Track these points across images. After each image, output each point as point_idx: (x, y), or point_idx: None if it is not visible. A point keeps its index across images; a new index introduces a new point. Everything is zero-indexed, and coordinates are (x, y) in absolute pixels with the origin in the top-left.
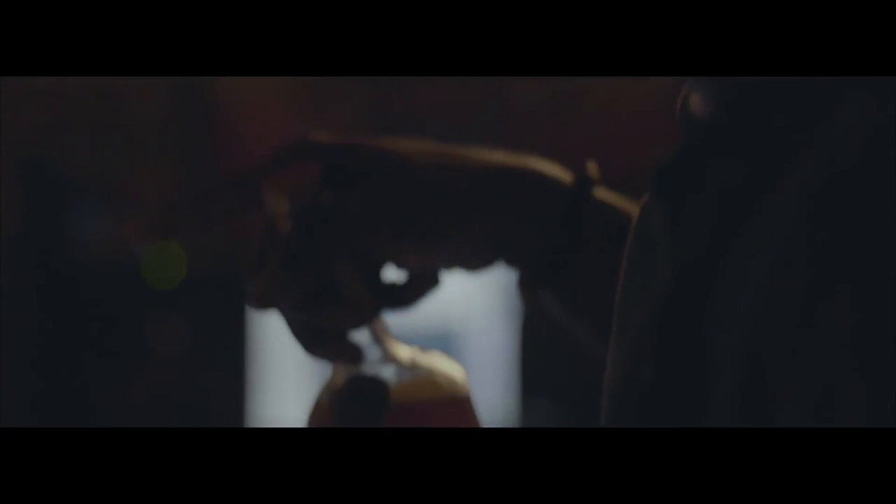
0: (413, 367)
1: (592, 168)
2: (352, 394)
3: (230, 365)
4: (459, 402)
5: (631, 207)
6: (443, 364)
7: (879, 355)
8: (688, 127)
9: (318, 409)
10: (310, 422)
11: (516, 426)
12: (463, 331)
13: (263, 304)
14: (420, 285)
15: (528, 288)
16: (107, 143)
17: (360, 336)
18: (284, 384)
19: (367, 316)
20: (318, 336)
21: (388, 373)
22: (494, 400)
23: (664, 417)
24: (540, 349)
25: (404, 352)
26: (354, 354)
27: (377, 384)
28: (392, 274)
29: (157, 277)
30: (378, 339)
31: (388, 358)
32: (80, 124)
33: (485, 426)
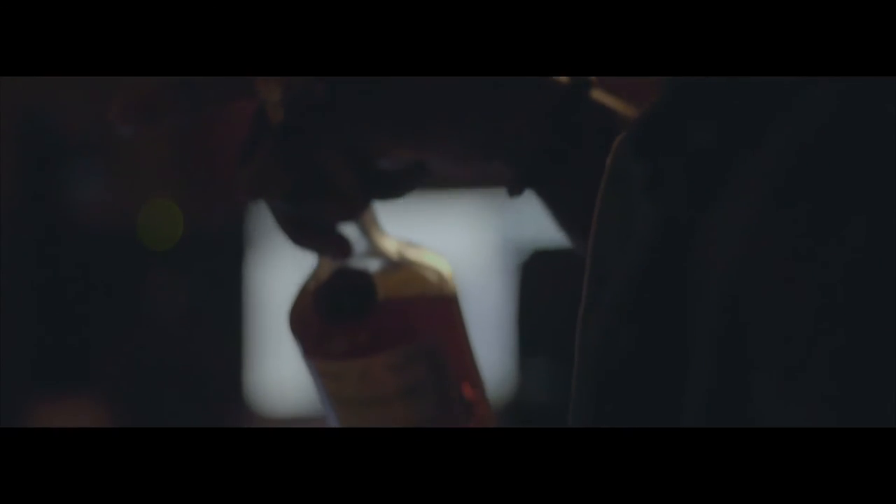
0: (401, 261)
1: None
2: (337, 286)
3: (228, 325)
4: (447, 299)
5: (628, 111)
6: (431, 259)
7: (856, 317)
8: (666, 86)
9: (301, 302)
10: (292, 315)
11: (513, 386)
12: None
13: (252, 194)
14: (410, 178)
15: (518, 187)
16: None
17: (348, 228)
18: (282, 343)
19: (356, 208)
20: (305, 228)
21: (374, 266)
22: (492, 359)
23: (643, 383)
24: (537, 309)
25: (392, 245)
26: (342, 247)
27: (363, 277)
28: (382, 166)
29: (153, 238)
30: (366, 231)
31: (376, 251)
32: (76, 83)
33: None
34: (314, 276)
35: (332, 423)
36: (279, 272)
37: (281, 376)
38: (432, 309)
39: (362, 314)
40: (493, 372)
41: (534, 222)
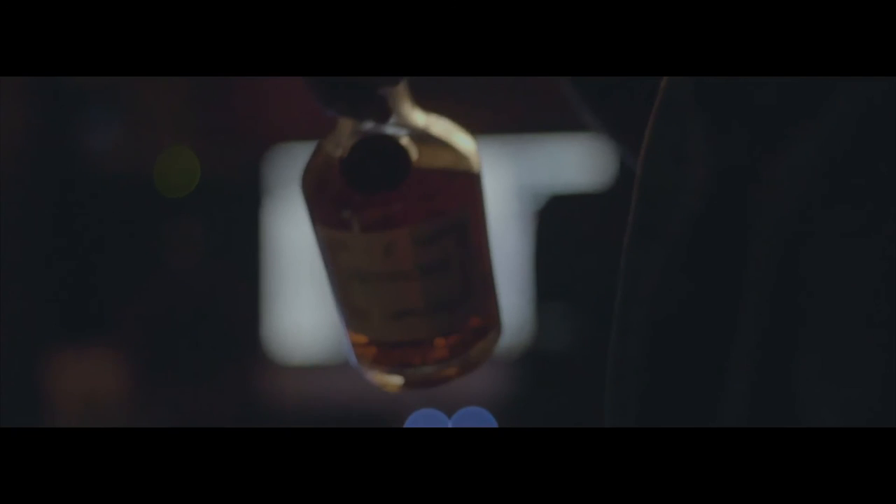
0: (430, 134)
1: None
2: (369, 153)
3: (244, 272)
4: (474, 176)
5: None
6: (458, 135)
7: None
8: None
9: (321, 168)
10: (309, 182)
11: (531, 334)
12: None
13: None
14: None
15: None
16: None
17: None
18: (298, 290)
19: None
20: (343, 87)
21: (405, 136)
22: (510, 306)
23: (697, 329)
24: (554, 256)
25: (421, 118)
26: (382, 109)
27: (396, 145)
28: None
29: (170, 185)
30: (397, 100)
31: (406, 121)
32: None
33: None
34: (335, 141)
35: (341, 300)
36: (295, 219)
37: (297, 323)
38: (461, 184)
39: (394, 183)
40: (511, 319)
41: (549, 169)
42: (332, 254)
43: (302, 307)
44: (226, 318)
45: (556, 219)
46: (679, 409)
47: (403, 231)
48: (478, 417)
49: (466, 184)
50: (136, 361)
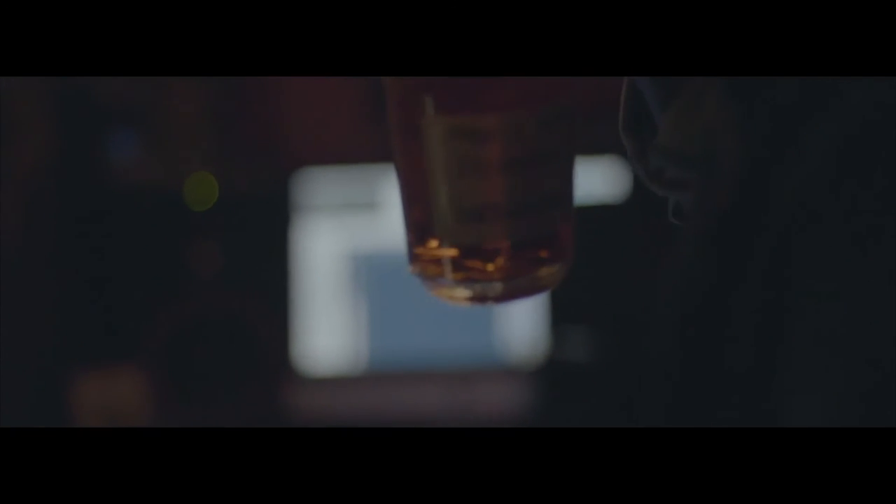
0: None
1: None
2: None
3: (270, 290)
4: None
5: None
6: None
7: None
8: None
9: None
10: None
11: (548, 347)
12: None
13: None
14: None
15: None
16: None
17: None
18: (326, 310)
19: None
20: None
21: None
22: (525, 327)
23: (723, 313)
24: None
25: None
26: None
27: None
28: None
29: (195, 199)
30: None
31: None
32: None
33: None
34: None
35: (449, 197)
36: (322, 237)
37: (324, 340)
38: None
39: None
40: (527, 332)
41: None
42: (443, 145)
43: (329, 322)
44: (252, 335)
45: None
46: (706, 405)
47: (533, 113)
48: None
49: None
50: (158, 379)
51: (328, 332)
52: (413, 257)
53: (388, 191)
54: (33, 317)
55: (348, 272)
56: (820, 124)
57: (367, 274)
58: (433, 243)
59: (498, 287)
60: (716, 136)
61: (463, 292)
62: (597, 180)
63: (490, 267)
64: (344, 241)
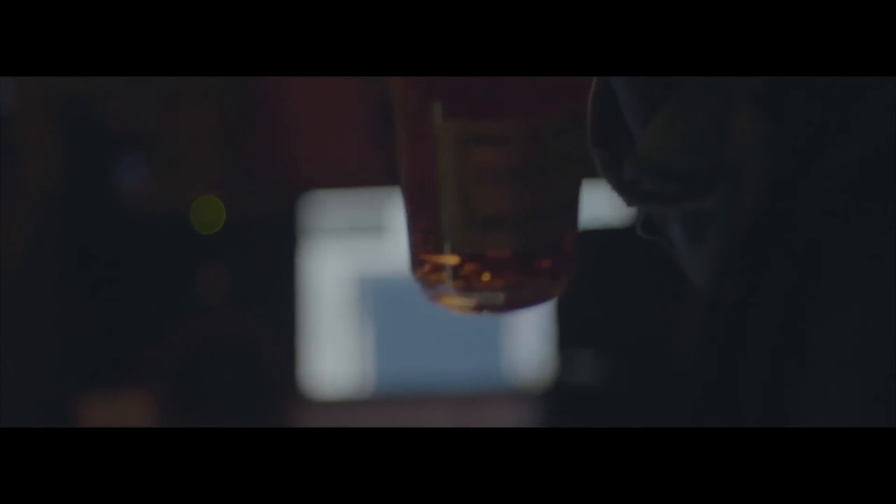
0: None
1: None
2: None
3: (277, 314)
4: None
5: None
6: None
7: None
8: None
9: None
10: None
11: (554, 376)
12: None
13: None
14: None
15: None
16: (148, 93)
17: None
18: (333, 333)
19: None
20: None
21: None
22: (531, 350)
23: (750, 330)
24: (578, 292)
25: None
26: None
27: None
28: None
29: (202, 222)
30: None
31: None
32: (123, 78)
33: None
34: None
35: (461, 205)
36: (329, 260)
37: (331, 363)
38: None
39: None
40: (534, 356)
41: None
42: (454, 153)
43: (335, 347)
44: (259, 360)
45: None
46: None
47: (547, 118)
48: None
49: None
50: (165, 404)
51: (335, 354)
52: (415, 263)
53: (394, 214)
54: (41, 339)
55: (355, 295)
56: (846, 138)
57: (374, 297)
58: (438, 250)
59: (501, 297)
60: (705, 149)
61: (465, 301)
62: (604, 203)
63: (495, 276)
64: (351, 264)
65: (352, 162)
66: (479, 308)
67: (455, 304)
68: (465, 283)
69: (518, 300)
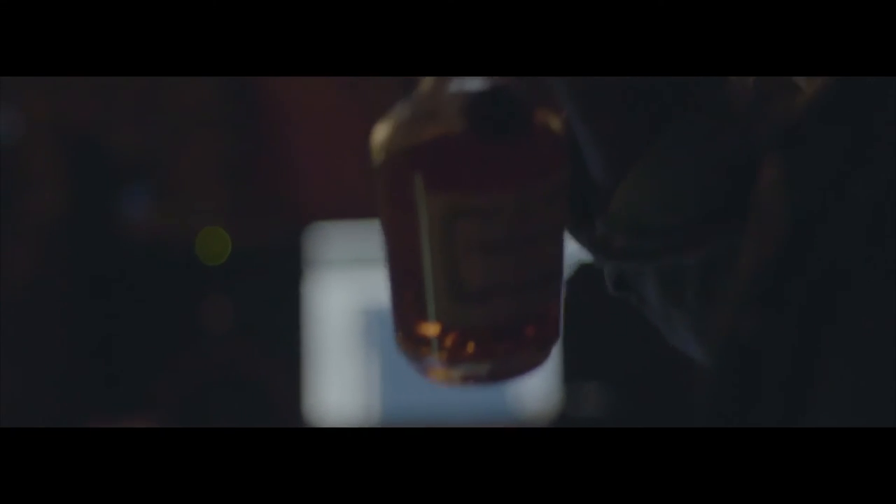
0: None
1: None
2: (495, 100)
3: (282, 344)
4: (561, 141)
5: None
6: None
7: None
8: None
9: (429, 129)
10: (415, 147)
11: (559, 409)
12: None
13: None
14: None
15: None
16: (154, 124)
17: None
18: (338, 364)
19: None
20: None
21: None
22: (537, 383)
23: (766, 366)
24: (582, 325)
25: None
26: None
27: (517, 91)
28: None
29: (205, 257)
30: None
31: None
32: (127, 107)
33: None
34: (429, 104)
35: (447, 277)
36: (334, 291)
37: (336, 394)
38: (563, 143)
39: (522, 132)
40: (541, 390)
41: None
42: (443, 224)
43: (342, 378)
44: (264, 391)
45: (583, 286)
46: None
47: (537, 187)
48: None
49: (556, 148)
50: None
51: (340, 386)
52: (401, 335)
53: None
54: (45, 368)
55: (360, 326)
56: (863, 178)
57: (380, 328)
58: (424, 322)
59: (487, 369)
60: (682, 204)
61: (452, 373)
62: None
63: (481, 348)
64: (356, 295)
65: (357, 193)
66: (466, 380)
67: (441, 377)
68: (451, 355)
69: (505, 371)
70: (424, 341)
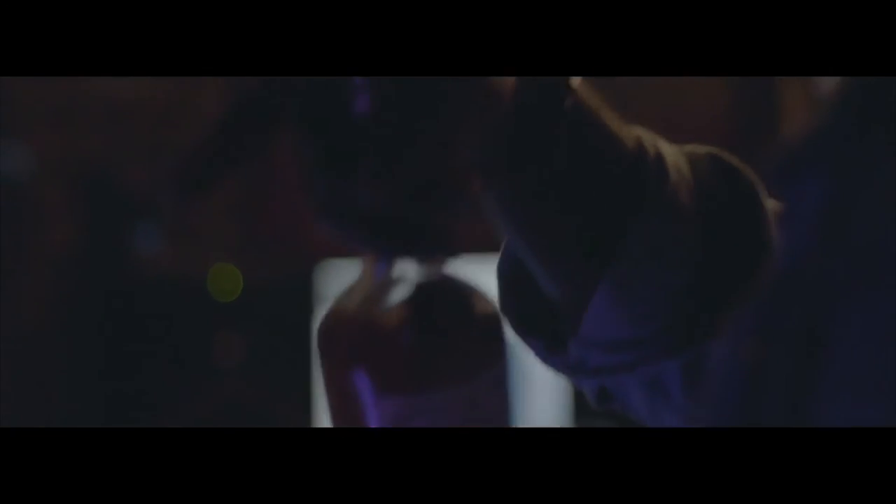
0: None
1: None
2: (444, 297)
3: (295, 379)
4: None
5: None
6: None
7: None
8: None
9: (368, 329)
10: (356, 346)
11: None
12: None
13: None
14: None
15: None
16: (165, 160)
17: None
18: None
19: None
20: (411, 229)
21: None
22: (548, 418)
23: (767, 393)
24: None
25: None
26: (452, 250)
27: (466, 283)
28: None
29: (217, 294)
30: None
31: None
32: (139, 142)
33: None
34: (366, 295)
35: None
36: None
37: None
38: (501, 330)
39: (472, 327)
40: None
41: None
42: (395, 422)
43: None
44: (275, 426)
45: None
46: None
47: (485, 378)
48: None
49: (491, 323)
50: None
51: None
52: None
53: None
54: (56, 403)
55: None
56: (860, 217)
57: None
58: None
59: None
60: (655, 312)
61: None
62: None
63: None
64: None
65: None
66: None
67: None
68: None
69: None
70: None
